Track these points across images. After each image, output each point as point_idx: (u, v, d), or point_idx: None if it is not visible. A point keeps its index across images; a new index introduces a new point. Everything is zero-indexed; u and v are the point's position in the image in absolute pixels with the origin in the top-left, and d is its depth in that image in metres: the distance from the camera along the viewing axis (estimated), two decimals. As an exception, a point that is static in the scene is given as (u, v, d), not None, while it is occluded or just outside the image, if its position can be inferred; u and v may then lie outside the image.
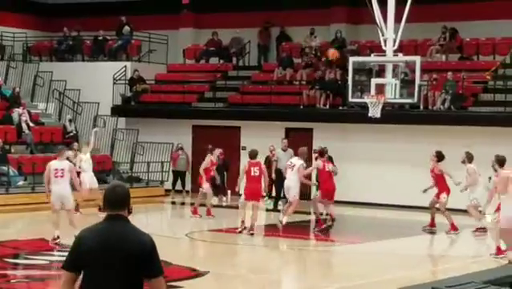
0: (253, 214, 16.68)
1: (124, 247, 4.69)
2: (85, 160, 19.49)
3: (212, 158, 19.34)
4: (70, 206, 14.80)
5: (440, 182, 16.93)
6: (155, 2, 28.81)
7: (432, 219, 17.32)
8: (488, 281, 6.60)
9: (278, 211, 19.55)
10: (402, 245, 16.91)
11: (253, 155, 17.05)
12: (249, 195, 16.81)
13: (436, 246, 17.01)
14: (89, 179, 19.35)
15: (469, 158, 16.77)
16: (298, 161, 17.12)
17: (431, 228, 17.38)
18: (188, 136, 26.07)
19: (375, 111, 19.29)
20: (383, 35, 19.43)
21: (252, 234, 16.60)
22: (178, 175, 25.48)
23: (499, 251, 13.31)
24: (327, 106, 24.00)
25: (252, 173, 16.71)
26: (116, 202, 4.84)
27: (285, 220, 16.91)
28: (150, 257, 4.75)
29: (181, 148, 25.41)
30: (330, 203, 17.55)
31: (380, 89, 19.20)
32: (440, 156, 16.98)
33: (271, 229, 17.79)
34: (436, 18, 24.30)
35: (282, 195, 22.06)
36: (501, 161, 13.35)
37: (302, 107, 24.31)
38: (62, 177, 14.55)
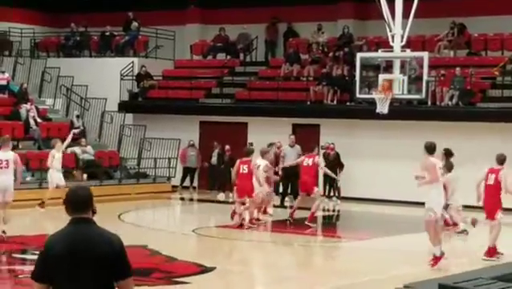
0: (250, 208, 16.98)
1: (92, 250, 4.59)
2: (57, 158, 19.22)
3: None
4: (10, 199, 14.48)
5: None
6: (162, -2, 28.81)
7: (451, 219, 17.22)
8: (495, 277, 6.57)
9: (285, 207, 19.57)
10: (409, 241, 16.86)
11: (245, 153, 17.28)
12: (241, 192, 17.06)
13: (443, 242, 16.94)
14: (57, 178, 19.19)
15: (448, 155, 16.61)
16: (262, 162, 17.36)
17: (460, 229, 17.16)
18: (196, 132, 26.08)
19: (382, 107, 19.23)
20: (390, 31, 19.35)
21: (253, 226, 16.73)
22: (188, 172, 25.51)
23: (490, 252, 13.14)
24: (335, 102, 23.97)
25: (241, 171, 16.92)
26: (80, 205, 4.73)
27: (261, 216, 17.25)
28: (118, 257, 4.63)
29: (192, 145, 25.43)
30: (305, 196, 17.67)
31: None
32: (448, 154, 16.81)
33: (278, 226, 17.78)
34: (444, 14, 24.22)
35: (289, 191, 22.10)
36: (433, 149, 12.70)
37: (309, 103, 24.28)
38: (6, 167, 14.31)
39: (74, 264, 4.58)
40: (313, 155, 17.67)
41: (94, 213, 4.77)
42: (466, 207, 17.30)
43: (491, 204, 13.16)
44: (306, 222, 17.28)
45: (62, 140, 20.27)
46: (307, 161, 17.47)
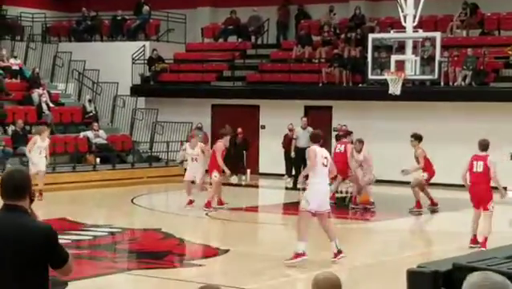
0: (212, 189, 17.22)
1: (22, 241, 4.28)
2: (38, 146, 17.99)
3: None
4: None
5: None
6: (173, -19, 28.71)
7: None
8: (510, 256, 6.53)
9: (298, 189, 19.52)
10: (423, 222, 16.85)
11: (219, 135, 17.50)
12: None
13: (457, 222, 16.91)
14: (36, 164, 17.95)
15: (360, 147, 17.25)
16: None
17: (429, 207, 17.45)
18: (208, 115, 26.06)
19: (395, 89, 19.14)
20: (402, 11, 19.22)
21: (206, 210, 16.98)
22: (194, 153, 25.46)
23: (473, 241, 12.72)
24: (346, 83, 23.87)
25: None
26: (15, 189, 4.38)
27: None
28: (53, 249, 4.37)
29: (199, 128, 25.36)
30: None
31: (400, 66, 19.04)
32: (417, 138, 17.28)
33: (291, 208, 17.76)
34: (456, -6, 24.04)
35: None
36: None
37: (321, 85, 24.20)
38: None
39: (2, 256, 4.29)
40: (345, 142, 17.79)
41: (32, 200, 4.46)
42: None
43: (483, 192, 12.42)
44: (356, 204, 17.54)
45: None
46: (339, 148, 17.44)
